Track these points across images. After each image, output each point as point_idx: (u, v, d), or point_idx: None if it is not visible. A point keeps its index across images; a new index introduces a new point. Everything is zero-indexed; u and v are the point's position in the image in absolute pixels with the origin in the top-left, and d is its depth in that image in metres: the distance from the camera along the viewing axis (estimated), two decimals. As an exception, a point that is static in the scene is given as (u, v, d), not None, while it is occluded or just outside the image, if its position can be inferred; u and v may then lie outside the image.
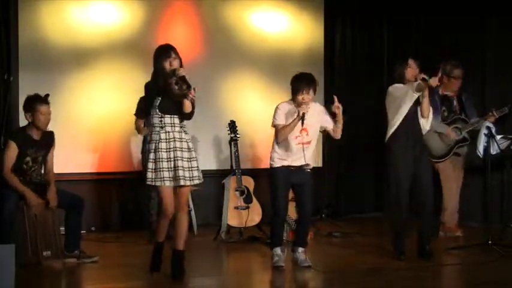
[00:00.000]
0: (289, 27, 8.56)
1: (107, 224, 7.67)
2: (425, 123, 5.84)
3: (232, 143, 7.14)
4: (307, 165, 5.53)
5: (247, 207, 6.98)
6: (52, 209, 5.76)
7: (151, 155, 4.98)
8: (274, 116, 5.52)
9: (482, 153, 6.29)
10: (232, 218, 6.93)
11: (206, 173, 7.92)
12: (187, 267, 5.17)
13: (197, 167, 5.09)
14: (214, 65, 8.10)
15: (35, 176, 5.80)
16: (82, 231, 6.08)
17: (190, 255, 5.72)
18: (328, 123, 5.59)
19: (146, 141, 5.28)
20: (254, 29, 8.37)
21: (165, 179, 4.95)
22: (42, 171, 5.90)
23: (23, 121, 6.99)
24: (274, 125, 5.52)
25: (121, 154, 7.66)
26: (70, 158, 7.19)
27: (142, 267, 5.32)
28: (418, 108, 5.78)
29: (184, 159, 5.01)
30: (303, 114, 5.31)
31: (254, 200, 7.03)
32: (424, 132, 5.88)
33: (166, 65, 5.01)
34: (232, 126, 7.20)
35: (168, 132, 4.99)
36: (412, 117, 5.77)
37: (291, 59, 8.37)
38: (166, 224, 5.16)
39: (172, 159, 4.97)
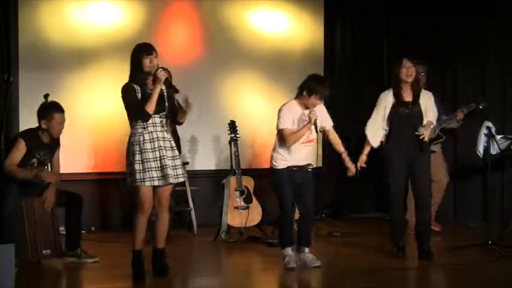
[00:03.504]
0: (289, 27, 8.55)
1: (107, 224, 7.67)
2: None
3: (232, 143, 7.14)
4: (309, 164, 5.53)
5: (247, 207, 6.97)
6: (51, 208, 5.76)
7: (137, 157, 4.97)
8: (278, 119, 5.40)
9: (482, 153, 6.28)
10: (232, 218, 6.92)
11: (206, 173, 8.03)
12: (187, 267, 5.17)
13: (180, 165, 5.13)
14: (215, 65, 8.10)
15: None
16: (82, 231, 6.08)
17: (190, 255, 5.75)
18: (327, 122, 5.58)
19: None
20: (254, 29, 8.36)
21: (154, 178, 4.96)
22: None
23: (23, 121, 7.03)
24: (279, 129, 5.40)
25: (121, 154, 7.49)
26: (70, 158, 7.16)
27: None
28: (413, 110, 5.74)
29: (169, 158, 5.03)
30: (315, 120, 5.30)
31: (254, 200, 7.02)
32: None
33: (146, 61, 5.00)
34: (232, 126, 7.20)
35: (151, 132, 5.00)
36: (405, 119, 5.75)
37: (291, 59, 8.37)
38: (145, 225, 5.10)
39: (158, 159, 4.98)
